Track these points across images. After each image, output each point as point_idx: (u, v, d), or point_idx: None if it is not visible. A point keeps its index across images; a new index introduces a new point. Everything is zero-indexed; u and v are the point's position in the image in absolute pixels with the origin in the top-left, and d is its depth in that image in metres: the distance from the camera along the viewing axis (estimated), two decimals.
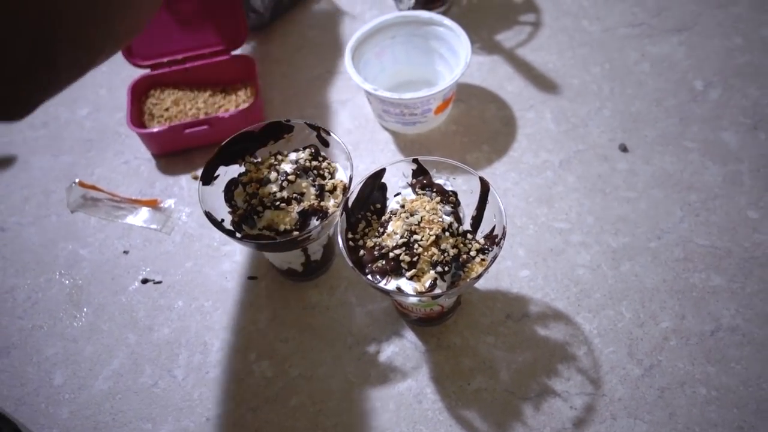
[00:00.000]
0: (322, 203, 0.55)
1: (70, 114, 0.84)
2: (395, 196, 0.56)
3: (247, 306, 0.64)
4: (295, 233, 0.54)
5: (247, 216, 0.55)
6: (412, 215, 0.51)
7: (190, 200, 0.73)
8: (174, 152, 0.77)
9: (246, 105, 0.77)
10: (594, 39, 0.83)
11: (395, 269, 0.50)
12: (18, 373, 0.62)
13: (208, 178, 0.57)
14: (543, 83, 0.79)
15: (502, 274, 0.63)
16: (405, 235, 0.50)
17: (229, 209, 0.57)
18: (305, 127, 0.60)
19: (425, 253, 0.50)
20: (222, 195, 0.58)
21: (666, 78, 0.78)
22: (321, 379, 0.59)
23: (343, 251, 0.51)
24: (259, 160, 0.58)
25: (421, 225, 0.50)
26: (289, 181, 0.55)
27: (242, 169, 0.58)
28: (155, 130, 0.73)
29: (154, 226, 0.71)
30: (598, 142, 0.73)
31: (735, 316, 0.59)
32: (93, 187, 0.73)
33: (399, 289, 0.50)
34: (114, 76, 0.86)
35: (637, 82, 0.78)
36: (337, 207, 0.54)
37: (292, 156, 0.57)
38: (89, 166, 0.78)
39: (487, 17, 0.87)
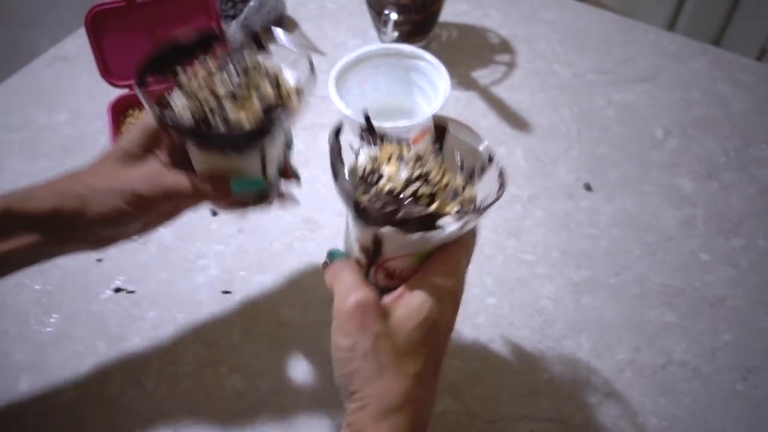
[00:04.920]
0: (282, 100, 0.49)
1: (48, 119, 0.84)
2: (357, 157, 0.48)
3: (220, 320, 0.65)
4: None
5: (203, 121, 0.47)
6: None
7: None
8: None
9: None
10: (564, 83, 0.88)
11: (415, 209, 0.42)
12: None
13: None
14: (515, 121, 0.83)
15: (470, 300, 0.66)
16: (410, 172, 0.44)
17: None
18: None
19: (441, 182, 0.44)
20: None
21: (629, 124, 0.82)
22: (291, 395, 0.60)
23: (341, 190, 0.42)
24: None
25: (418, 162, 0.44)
26: (246, 75, 0.48)
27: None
28: None
29: None
30: (564, 180, 0.77)
31: (685, 352, 0.63)
32: None
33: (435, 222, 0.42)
34: (95, 86, 0.86)
35: (603, 126, 0.82)
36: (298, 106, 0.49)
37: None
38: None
39: (465, 55, 0.91)
